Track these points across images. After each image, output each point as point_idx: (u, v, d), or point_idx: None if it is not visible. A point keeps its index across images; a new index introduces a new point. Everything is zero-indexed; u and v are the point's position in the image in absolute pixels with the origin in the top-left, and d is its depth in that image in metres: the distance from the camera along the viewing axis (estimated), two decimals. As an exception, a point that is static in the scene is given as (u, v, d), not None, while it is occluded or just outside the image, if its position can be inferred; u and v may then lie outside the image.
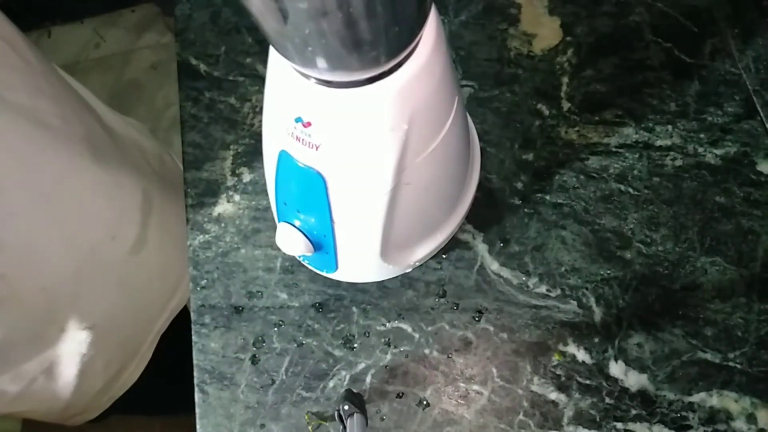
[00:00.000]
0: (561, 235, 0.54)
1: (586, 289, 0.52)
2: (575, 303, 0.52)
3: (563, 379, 0.50)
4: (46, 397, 0.58)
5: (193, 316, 0.54)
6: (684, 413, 0.48)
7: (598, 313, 0.51)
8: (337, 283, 0.54)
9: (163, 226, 0.64)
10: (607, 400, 0.49)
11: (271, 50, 0.33)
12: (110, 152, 0.58)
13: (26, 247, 0.48)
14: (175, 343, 0.67)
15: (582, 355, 0.50)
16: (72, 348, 0.56)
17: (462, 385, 0.50)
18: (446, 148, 0.39)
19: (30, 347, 0.53)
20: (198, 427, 0.51)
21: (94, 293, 0.57)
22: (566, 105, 0.58)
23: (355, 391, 0.50)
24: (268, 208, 0.57)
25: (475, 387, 0.50)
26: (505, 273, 0.53)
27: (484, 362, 0.51)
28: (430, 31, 0.32)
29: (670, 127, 0.56)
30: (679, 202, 0.54)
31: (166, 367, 0.70)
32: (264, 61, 0.63)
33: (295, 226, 0.41)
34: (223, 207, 0.58)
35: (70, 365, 0.57)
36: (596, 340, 0.51)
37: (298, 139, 0.35)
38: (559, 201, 0.55)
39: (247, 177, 0.59)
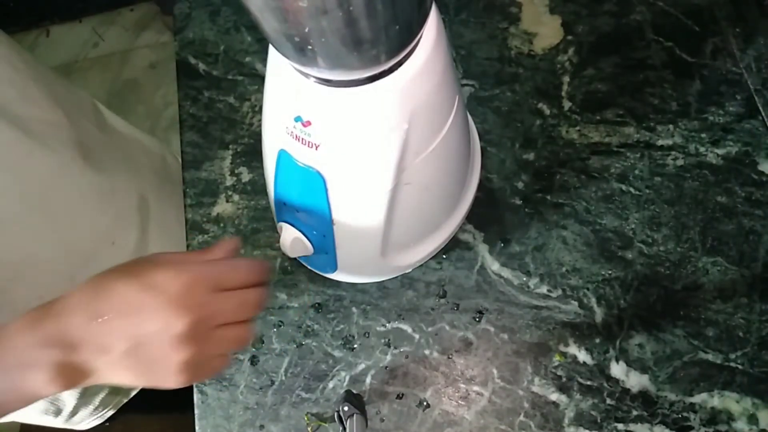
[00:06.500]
0: (562, 235, 0.54)
1: (587, 289, 0.52)
2: (576, 303, 0.51)
3: (564, 379, 0.50)
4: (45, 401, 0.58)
5: (192, 317, 0.54)
6: (685, 414, 0.48)
7: (599, 314, 0.51)
8: (337, 284, 0.54)
9: (163, 229, 0.63)
10: (609, 400, 0.49)
11: (271, 49, 0.33)
12: (105, 156, 0.57)
13: (19, 255, 0.47)
14: None
15: (583, 356, 0.50)
16: None
17: (462, 386, 0.50)
18: (447, 148, 0.38)
19: None
20: (197, 428, 0.51)
21: None
22: (567, 104, 0.58)
23: (354, 392, 0.49)
24: (267, 208, 0.57)
25: (476, 388, 0.50)
26: (506, 273, 0.53)
27: (484, 363, 0.50)
28: (431, 30, 0.31)
29: (671, 126, 0.56)
30: (681, 202, 0.54)
31: None
32: (263, 60, 0.63)
33: (294, 227, 0.41)
34: (222, 207, 0.58)
35: None
36: (597, 340, 0.50)
37: (297, 138, 0.34)
38: (560, 201, 0.55)
39: (246, 177, 0.59)
